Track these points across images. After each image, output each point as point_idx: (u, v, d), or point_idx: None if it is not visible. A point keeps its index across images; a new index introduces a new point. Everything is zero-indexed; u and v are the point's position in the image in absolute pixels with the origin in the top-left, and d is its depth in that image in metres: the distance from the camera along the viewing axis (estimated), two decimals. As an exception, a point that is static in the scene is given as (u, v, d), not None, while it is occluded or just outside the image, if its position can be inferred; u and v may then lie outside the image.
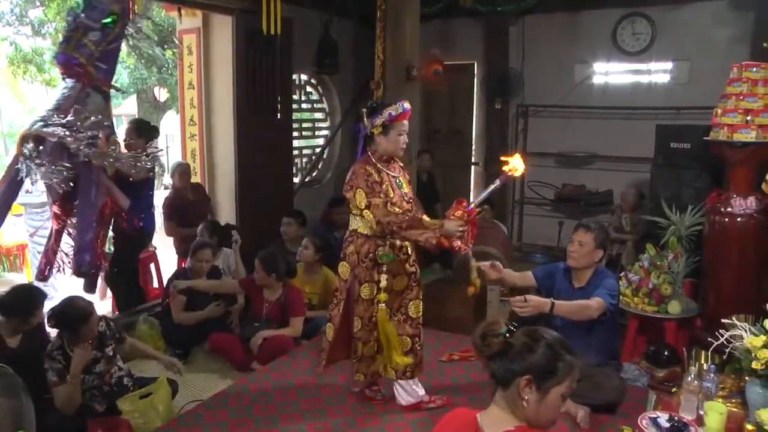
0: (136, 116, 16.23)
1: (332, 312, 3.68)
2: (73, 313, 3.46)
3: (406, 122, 3.45)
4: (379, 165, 3.46)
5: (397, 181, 3.53)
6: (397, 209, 3.32)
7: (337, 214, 6.05)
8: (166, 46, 10.41)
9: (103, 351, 3.66)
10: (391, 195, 3.42)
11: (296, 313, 4.64)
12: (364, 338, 3.59)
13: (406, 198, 3.54)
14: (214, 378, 4.37)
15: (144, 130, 4.86)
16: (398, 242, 3.50)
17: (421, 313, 3.66)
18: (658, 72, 7.07)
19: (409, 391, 3.66)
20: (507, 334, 1.73)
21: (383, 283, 3.47)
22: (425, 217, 3.38)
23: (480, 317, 5.10)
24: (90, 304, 3.57)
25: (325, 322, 4.94)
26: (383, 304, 3.51)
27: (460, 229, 3.20)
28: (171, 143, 16.82)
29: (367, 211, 3.34)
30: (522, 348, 1.70)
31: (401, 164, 3.64)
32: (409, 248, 3.60)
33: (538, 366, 1.68)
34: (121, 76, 17.07)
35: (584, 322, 3.53)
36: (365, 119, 3.45)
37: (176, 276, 4.96)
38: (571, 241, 3.71)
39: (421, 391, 3.69)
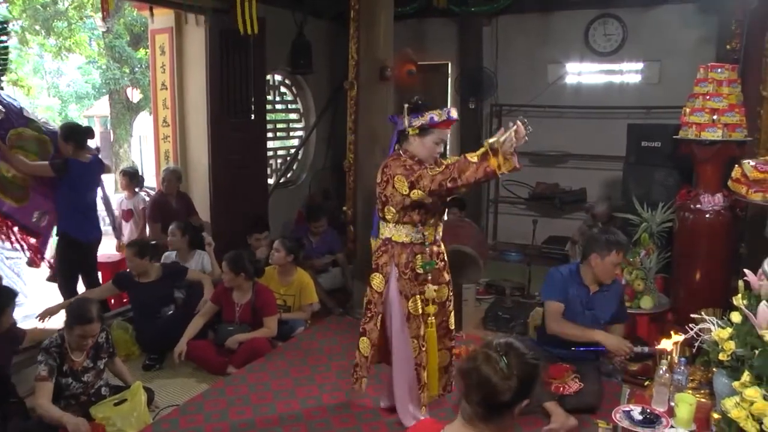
0: (109, 117, 16.04)
1: (367, 326, 3.44)
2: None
3: (448, 131, 3.29)
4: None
5: None
6: (437, 168, 3.10)
7: (315, 227, 6.04)
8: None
9: (95, 362, 3.61)
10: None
11: (269, 312, 4.61)
12: (425, 363, 3.35)
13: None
14: (189, 382, 4.32)
15: (71, 135, 4.71)
16: (435, 248, 3.36)
17: (453, 326, 3.55)
18: (630, 72, 7.17)
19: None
20: (506, 365, 1.65)
21: (429, 293, 3.30)
22: (467, 155, 3.05)
23: (456, 317, 5.11)
24: (94, 311, 3.49)
25: (300, 325, 5.00)
26: (433, 318, 3.34)
27: (503, 139, 2.91)
28: (144, 145, 16.66)
29: (414, 191, 3.11)
30: (529, 382, 1.68)
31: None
32: (444, 254, 3.47)
33: (534, 388, 1.70)
34: (93, 76, 16.89)
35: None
36: (405, 116, 3.21)
37: (122, 274, 4.88)
38: (615, 264, 3.69)
39: None
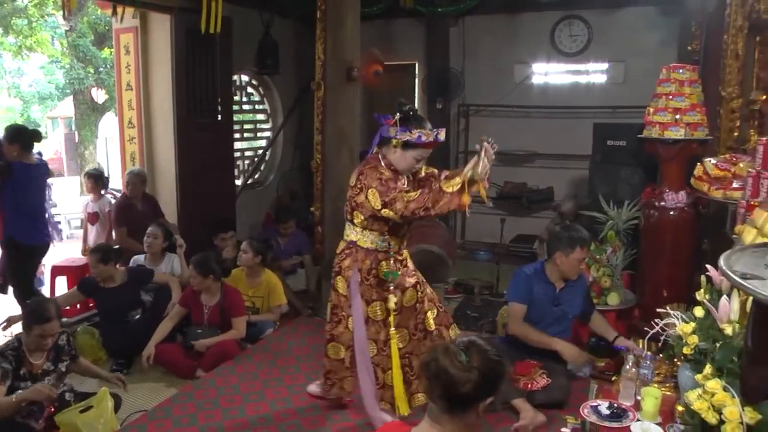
0: (73, 118, 15.74)
1: (334, 331, 3.41)
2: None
3: (429, 150, 3.21)
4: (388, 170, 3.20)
5: None
6: (412, 193, 3.04)
7: (284, 228, 6.03)
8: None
9: (56, 365, 3.53)
10: None
11: (237, 313, 4.58)
12: (383, 364, 3.35)
13: None
14: (157, 387, 4.26)
15: (16, 137, 4.63)
16: (399, 256, 3.34)
17: (434, 326, 3.48)
18: (596, 72, 7.29)
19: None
20: (466, 358, 1.67)
21: (391, 304, 3.26)
22: (442, 183, 3.03)
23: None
24: (53, 310, 3.42)
25: (269, 327, 4.97)
26: (394, 329, 3.30)
27: (480, 169, 2.92)
28: (110, 146, 16.40)
29: (385, 210, 3.07)
30: (491, 377, 1.68)
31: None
32: (408, 260, 3.46)
33: (498, 387, 1.70)
34: (57, 76, 16.59)
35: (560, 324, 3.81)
36: (394, 123, 3.12)
37: (87, 280, 4.81)
38: (580, 260, 3.74)
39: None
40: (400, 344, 3.37)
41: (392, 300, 3.27)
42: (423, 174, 3.38)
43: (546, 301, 3.79)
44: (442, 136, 3.16)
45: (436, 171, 3.37)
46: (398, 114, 3.13)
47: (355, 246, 3.29)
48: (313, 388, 3.81)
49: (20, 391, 3.28)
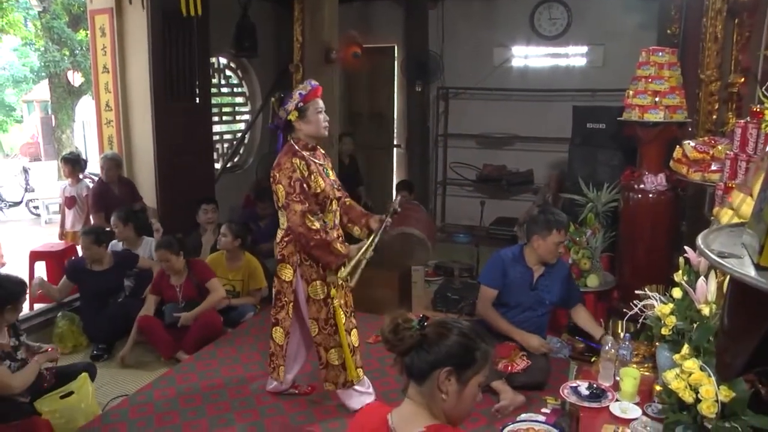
0: (49, 102, 15.47)
1: (278, 315, 3.50)
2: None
3: (319, 100, 3.34)
4: (305, 155, 3.30)
5: (324, 169, 3.39)
6: (317, 224, 3.22)
7: (262, 209, 6.00)
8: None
9: (19, 339, 3.51)
10: (322, 184, 3.28)
11: (208, 277, 4.64)
12: (326, 344, 3.42)
13: (335, 185, 3.44)
14: (139, 372, 4.25)
15: None
16: (335, 233, 3.39)
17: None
18: (575, 56, 7.27)
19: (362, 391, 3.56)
20: (419, 326, 1.66)
21: (331, 278, 3.34)
22: (333, 241, 3.28)
23: (405, 298, 5.15)
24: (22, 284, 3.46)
25: (250, 310, 4.96)
26: (337, 301, 3.37)
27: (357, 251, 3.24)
28: (87, 130, 16.18)
29: (282, 210, 3.26)
30: (439, 339, 1.65)
31: (323, 151, 3.51)
32: (343, 236, 3.50)
33: (457, 356, 1.64)
34: (31, 59, 16.28)
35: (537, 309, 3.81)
36: (278, 111, 3.33)
37: (73, 264, 4.83)
38: (558, 243, 3.73)
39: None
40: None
41: (330, 275, 3.35)
42: (339, 188, 3.52)
43: (523, 285, 3.80)
44: (314, 81, 3.38)
45: (351, 202, 3.60)
46: (272, 102, 3.40)
47: (292, 230, 3.31)
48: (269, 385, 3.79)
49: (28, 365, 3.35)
